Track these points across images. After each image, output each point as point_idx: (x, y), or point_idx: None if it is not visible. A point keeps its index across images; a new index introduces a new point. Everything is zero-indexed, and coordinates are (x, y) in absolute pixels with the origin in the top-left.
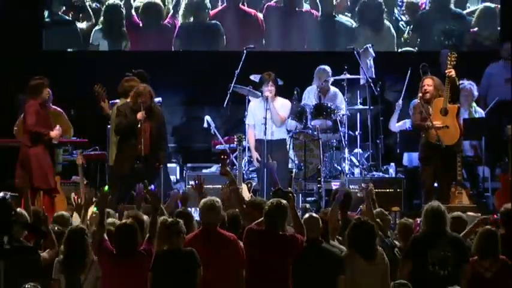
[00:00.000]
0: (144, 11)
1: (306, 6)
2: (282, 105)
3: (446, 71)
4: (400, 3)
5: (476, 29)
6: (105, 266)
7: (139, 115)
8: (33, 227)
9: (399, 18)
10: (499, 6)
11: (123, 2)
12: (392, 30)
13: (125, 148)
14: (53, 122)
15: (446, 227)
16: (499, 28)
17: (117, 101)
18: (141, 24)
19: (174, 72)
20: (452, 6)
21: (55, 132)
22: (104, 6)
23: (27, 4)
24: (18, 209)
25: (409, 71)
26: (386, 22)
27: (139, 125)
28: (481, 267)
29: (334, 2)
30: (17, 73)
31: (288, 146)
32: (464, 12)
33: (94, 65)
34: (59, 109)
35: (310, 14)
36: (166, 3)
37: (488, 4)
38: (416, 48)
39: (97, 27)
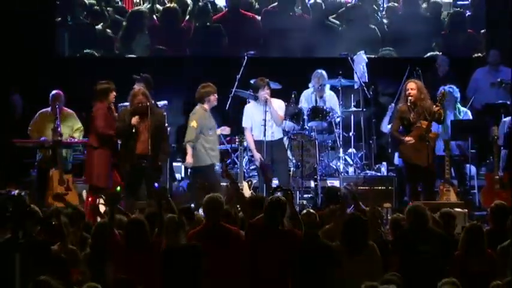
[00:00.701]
0: (162, 15)
1: (298, 11)
2: (279, 106)
3: (435, 109)
4: (382, 8)
5: (447, 31)
6: (116, 259)
7: (134, 120)
8: (46, 222)
9: (383, 22)
10: (468, 12)
11: (148, 6)
12: (378, 33)
13: (124, 150)
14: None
15: (428, 224)
16: (469, 30)
17: (127, 104)
18: (159, 28)
19: (179, 77)
20: (421, 10)
21: None
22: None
23: (42, 9)
24: (31, 206)
25: (405, 76)
26: (372, 26)
27: (133, 130)
28: (467, 261)
29: (323, 7)
30: (14, 75)
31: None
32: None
33: (105, 70)
34: (70, 110)
35: (302, 18)
36: (190, 7)
37: (457, 9)
38: (393, 51)
39: (120, 33)
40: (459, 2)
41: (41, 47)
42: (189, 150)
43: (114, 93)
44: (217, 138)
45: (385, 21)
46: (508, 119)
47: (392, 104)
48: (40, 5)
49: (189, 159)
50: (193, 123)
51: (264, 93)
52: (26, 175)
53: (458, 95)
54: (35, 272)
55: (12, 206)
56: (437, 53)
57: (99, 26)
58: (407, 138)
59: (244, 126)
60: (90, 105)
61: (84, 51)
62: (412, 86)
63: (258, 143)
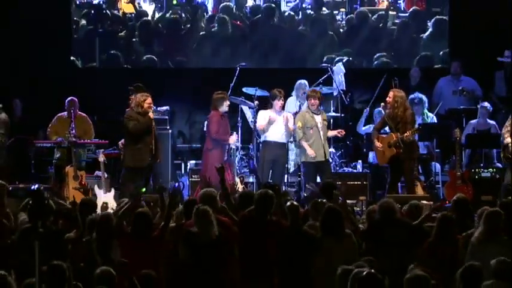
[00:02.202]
0: (165, 25)
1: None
2: (290, 118)
3: (405, 133)
4: (340, 19)
5: (395, 37)
6: (124, 248)
7: (151, 114)
8: (65, 213)
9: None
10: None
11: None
12: (336, 39)
13: (142, 146)
14: (79, 126)
15: (396, 215)
16: (414, 35)
17: None
18: (163, 38)
19: (179, 85)
20: (370, 20)
21: (232, 138)
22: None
23: (60, 17)
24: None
25: (381, 83)
26: (330, 32)
27: (153, 124)
28: (439, 247)
29: (296, 17)
30: (16, 80)
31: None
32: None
33: (114, 79)
34: (84, 114)
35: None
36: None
37: (404, 19)
38: (350, 58)
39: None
40: (401, 14)
41: (58, 56)
42: (305, 145)
43: (228, 102)
44: (317, 135)
45: (341, 30)
46: (474, 121)
47: (367, 109)
48: (58, 15)
49: (310, 152)
50: (298, 124)
51: (280, 103)
52: (44, 171)
53: (426, 103)
54: (51, 258)
55: (32, 199)
56: (384, 56)
57: (122, 34)
58: (377, 144)
59: (260, 123)
60: (104, 110)
61: (111, 52)
62: (390, 94)
63: (266, 143)
